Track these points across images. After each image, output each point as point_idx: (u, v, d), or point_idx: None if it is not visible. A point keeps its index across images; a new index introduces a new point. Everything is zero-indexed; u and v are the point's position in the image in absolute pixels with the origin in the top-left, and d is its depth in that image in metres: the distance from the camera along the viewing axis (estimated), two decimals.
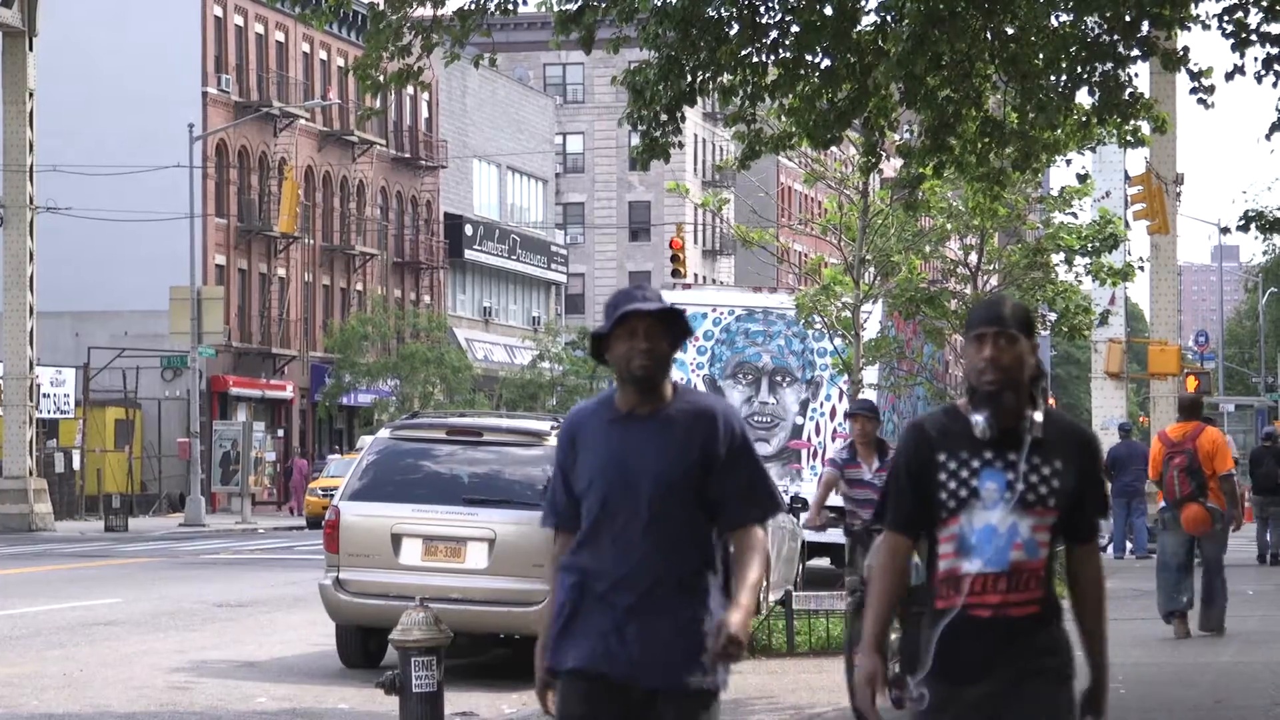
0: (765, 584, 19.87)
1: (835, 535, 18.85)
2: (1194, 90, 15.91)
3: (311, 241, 76.78)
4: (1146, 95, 17.01)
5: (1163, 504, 19.52)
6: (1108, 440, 37.74)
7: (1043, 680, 6.03)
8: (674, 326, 6.45)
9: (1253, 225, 22.92)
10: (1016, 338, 6.06)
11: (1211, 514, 19.13)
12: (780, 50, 15.79)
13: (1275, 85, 16.06)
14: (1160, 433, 20.12)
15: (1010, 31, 15.89)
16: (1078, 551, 6.22)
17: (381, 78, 16.28)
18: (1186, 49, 16.14)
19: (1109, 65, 15.87)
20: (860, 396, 28.26)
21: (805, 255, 51.49)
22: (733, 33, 15.46)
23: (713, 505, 6.46)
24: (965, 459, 6.06)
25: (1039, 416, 6.09)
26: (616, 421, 6.50)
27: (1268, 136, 17.08)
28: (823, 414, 34.89)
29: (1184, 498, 19.08)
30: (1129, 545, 35.18)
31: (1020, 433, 6.06)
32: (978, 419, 6.05)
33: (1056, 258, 31.17)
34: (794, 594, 19.65)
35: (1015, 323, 6.08)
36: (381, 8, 15.92)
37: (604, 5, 15.37)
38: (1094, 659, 6.21)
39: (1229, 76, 15.90)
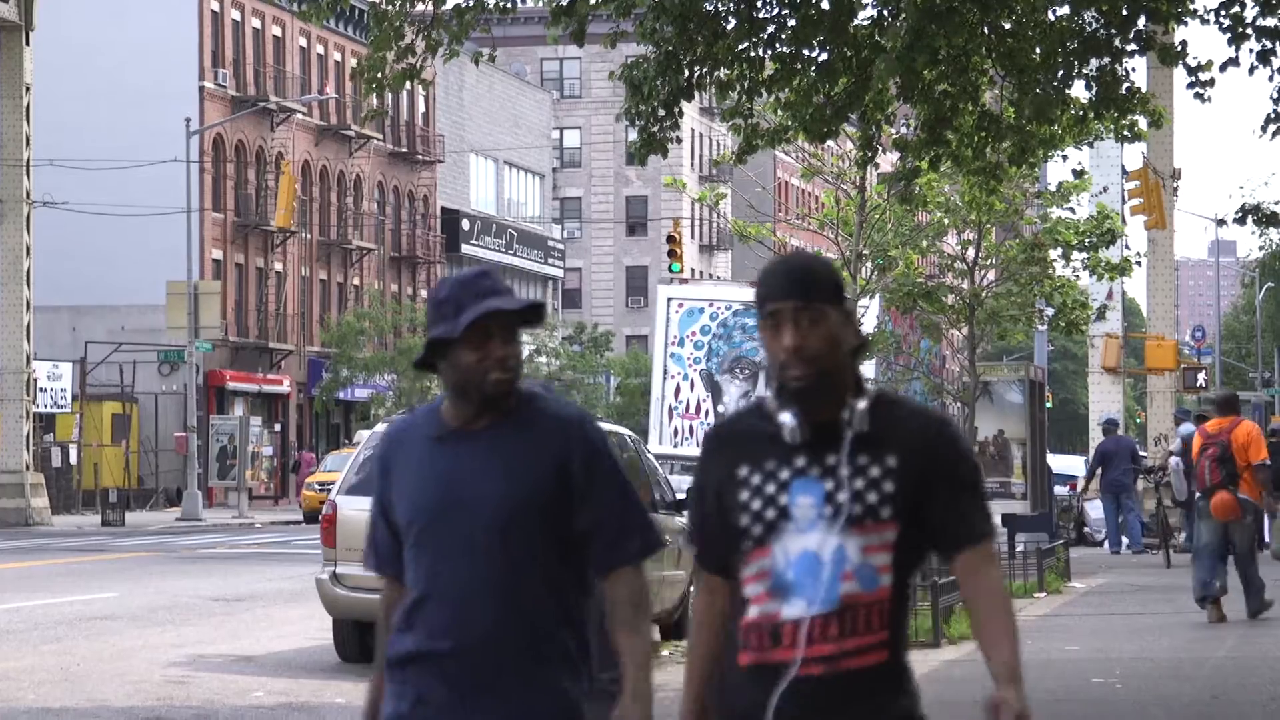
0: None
1: None
2: (1191, 85, 15.91)
3: (308, 236, 76.75)
4: (1143, 90, 17.01)
5: (1197, 493, 20.33)
6: (1100, 436, 37.72)
7: None
8: (530, 324, 5.11)
9: (1249, 219, 22.89)
10: (824, 311, 4.59)
11: (1241, 504, 19.86)
12: (777, 44, 15.81)
13: (1270, 79, 16.06)
14: (1200, 427, 20.91)
15: (1007, 26, 15.90)
16: (962, 560, 4.64)
17: (382, 77, 16.26)
18: (1184, 43, 16.14)
19: (1106, 60, 15.88)
20: None
21: (802, 250, 51.43)
22: (730, 27, 15.48)
23: (577, 542, 5.08)
24: (772, 470, 4.63)
25: (863, 404, 4.63)
26: (443, 440, 5.10)
27: (1263, 129, 17.08)
28: None
29: (1214, 486, 19.82)
30: (1124, 541, 35.15)
31: (840, 427, 4.62)
32: (785, 419, 4.61)
33: (1054, 253, 31.18)
34: None
35: (820, 291, 4.60)
36: (383, 6, 15.90)
37: (599, 0, 15.39)
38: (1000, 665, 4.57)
39: (1223, 68, 15.92)
